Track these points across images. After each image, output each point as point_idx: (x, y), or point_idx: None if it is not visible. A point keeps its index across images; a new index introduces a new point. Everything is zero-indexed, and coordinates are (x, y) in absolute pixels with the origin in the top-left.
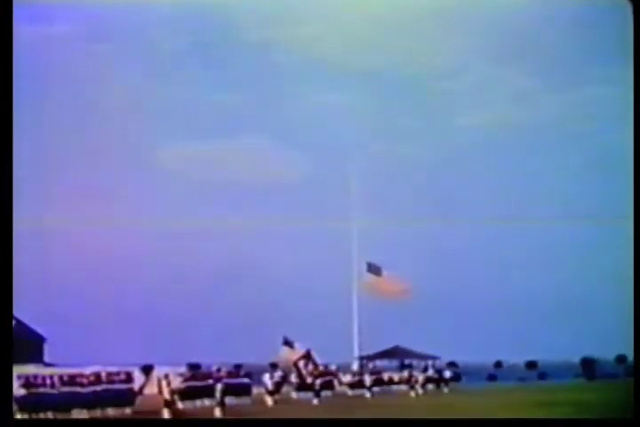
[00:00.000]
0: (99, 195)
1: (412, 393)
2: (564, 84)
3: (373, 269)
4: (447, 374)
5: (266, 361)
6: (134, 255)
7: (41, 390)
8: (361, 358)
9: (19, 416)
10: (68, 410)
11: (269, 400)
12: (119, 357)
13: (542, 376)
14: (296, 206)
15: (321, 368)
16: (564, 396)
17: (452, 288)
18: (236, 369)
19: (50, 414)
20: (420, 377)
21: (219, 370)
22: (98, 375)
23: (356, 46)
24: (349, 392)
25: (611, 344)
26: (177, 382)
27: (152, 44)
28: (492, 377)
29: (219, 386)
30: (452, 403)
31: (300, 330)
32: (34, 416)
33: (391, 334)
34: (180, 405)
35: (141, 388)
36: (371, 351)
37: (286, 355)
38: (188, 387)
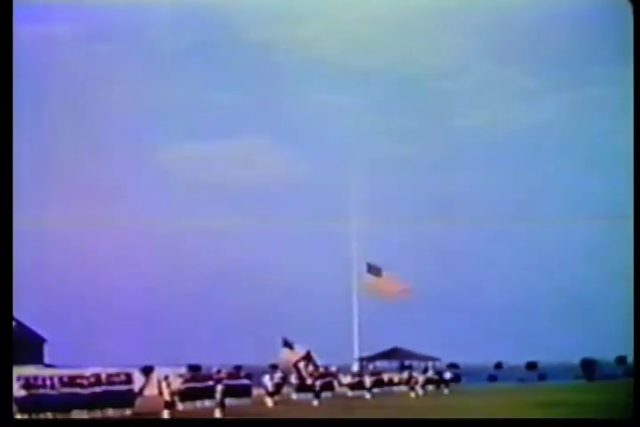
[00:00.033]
0: (98, 195)
1: (413, 394)
2: (565, 83)
3: (373, 269)
4: (447, 375)
5: (266, 362)
6: (134, 255)
7: (41, 391)
8: (361, 360)
9: (19, 417)
10: (68, 411)
11: (269, 401)
12: (119, 358)
13: (542, 377)
14: (296, 206)
15: (321, 369)
16: (564, 397)
17: (452, 289)
18: (237, 370)
19: (50, 415)
20: (420, 378)
21: (219, 371)
22: (98, 376)
23: (355, 46)
24: (349, 393)
25: (611, 345)
26: (177, 384)
27: (152, 44)
28: (492, 378)
29: (219, 387)
30: (453, 404)
31: (300, 331)
32: (34, 417)
33: (391, 335)
34: (180, 406)
35: (141, 389)
36: (371, 352)
37: (286, 356)
38: (189, 388)
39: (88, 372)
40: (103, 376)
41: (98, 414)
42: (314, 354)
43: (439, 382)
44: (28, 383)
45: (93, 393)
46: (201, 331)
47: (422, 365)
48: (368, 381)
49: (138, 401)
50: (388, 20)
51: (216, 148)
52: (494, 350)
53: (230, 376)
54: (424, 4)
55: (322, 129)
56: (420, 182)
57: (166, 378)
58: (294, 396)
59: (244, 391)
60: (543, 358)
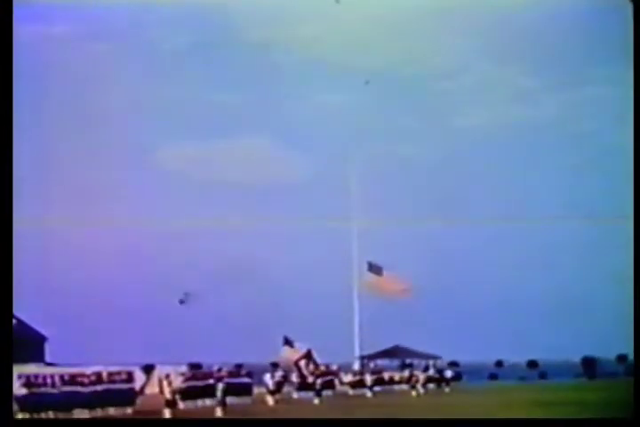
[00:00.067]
0: (99, 195)
1: (413, 393)
2: (564, 83)
3: (374, 268)
4: (448, 373)
5: (267, 361)
6: (134, 255)
7: (42, 389)
8: (362, 358)
9: (19, 416)
10: (69, 410)
11: (270, 400)
12: (120, 356)
13: (543, 375)
14: (296, 206)
15: (322, 368)
16: (564, 395)
17: (453, 288)
18: (237, 369)
19: (51, 414)
20: (421, 376)
21: (220, 370)
22: (99, 375)
23: (356, 46)
24: (350, 392)
25: (611, 343)
26: (178, 382)
27: (152, 44)
28: (493, 376)
29: (220, 386)
30: (453, 402)
31: (301, 330)
32: (35, 416)
33: (392, 334)
34: (181, 404)
35: (142, 387)
36: (371, 351)
37: (287, 355)
38: (189, 387)
39: (89, 370)
40: (104, 375)
41: (99, 412)
42: (315, 352)
43: (440, 380)
44: (28, 382)
45: (94, 392)
46: (202, 329)
47: (423, 363)
48: (369, 379)
49: (139, 400)
50: (388, 20)
51: (216, 147)
52: (495, 349)
53: (231, 375)
54: (424, 4)
55: (322, 129)
56: (420, 182)
57: (167, 376)
58: (295, 394)
59: (244, 390)
60: (544, 356)
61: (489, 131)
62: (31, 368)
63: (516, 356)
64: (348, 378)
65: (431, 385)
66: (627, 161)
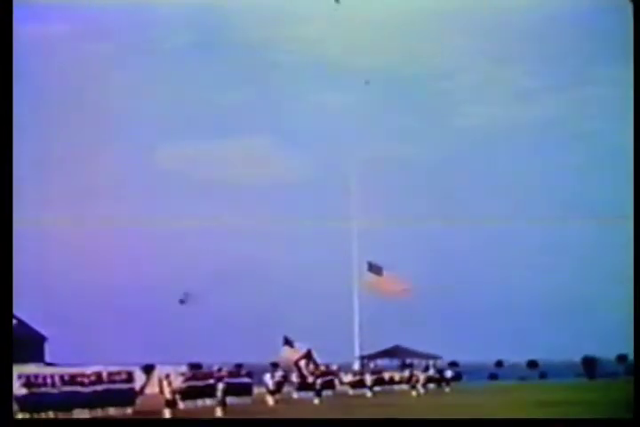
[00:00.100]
0: (98, 195)
1: (414, 392)
2: (565, 83)
3: (374, 268)
4: (448, 373)
5: (267, 361)
6: (134, 255)
7: (42, 389)
8: (362, 358)
9: (19, 416)
10: (69, 410)
11: (270, 400)
12: (120, 356)
13: (543, 375)
14: (296, 206)
15: (322, 368)
16: (564, 395)
17: (453, 288)
18: (237, 369)
19: (51, 414)
20: (421, 376)
21: (220, 370)
22: (99, 375)
23: (355, 46)
24: (350, 392)
25: (611, 343)
26: (178, 382)
27: (152, 44)
28: (493, 376)
29: (220, 386)
30: (453, 402)
31: (301, 330)
32: (35, 416)
33: (392, 334)
34: (181, 404)
35: (142, 387)
36: (371, 351)
37: (287, 355)
38: (189, 387)
39: (89, 370)
40: (104, 375)
41: (99, 412)
42: (315, 352)
43: (440, 380)
44: (28, 382)
45: (94, 392)
46: (202, 329)
47: (423, 363)
48: (369, 379)
49: (139, 400)
50: (388, 20)
51: (216, 147)
52: (495, 349)
53: (231, 375)
54: (424, 5)
55: (322, 129)
56: (420, 182)
57: (167, 376)
58: (295, 394)
59: (244, 390)
60: (544, 356)
61: (489, 131)
62: (31, 368)
63: (516, 356)
64: (348, 378)
65: (431, 385)
66: (627, 161)
